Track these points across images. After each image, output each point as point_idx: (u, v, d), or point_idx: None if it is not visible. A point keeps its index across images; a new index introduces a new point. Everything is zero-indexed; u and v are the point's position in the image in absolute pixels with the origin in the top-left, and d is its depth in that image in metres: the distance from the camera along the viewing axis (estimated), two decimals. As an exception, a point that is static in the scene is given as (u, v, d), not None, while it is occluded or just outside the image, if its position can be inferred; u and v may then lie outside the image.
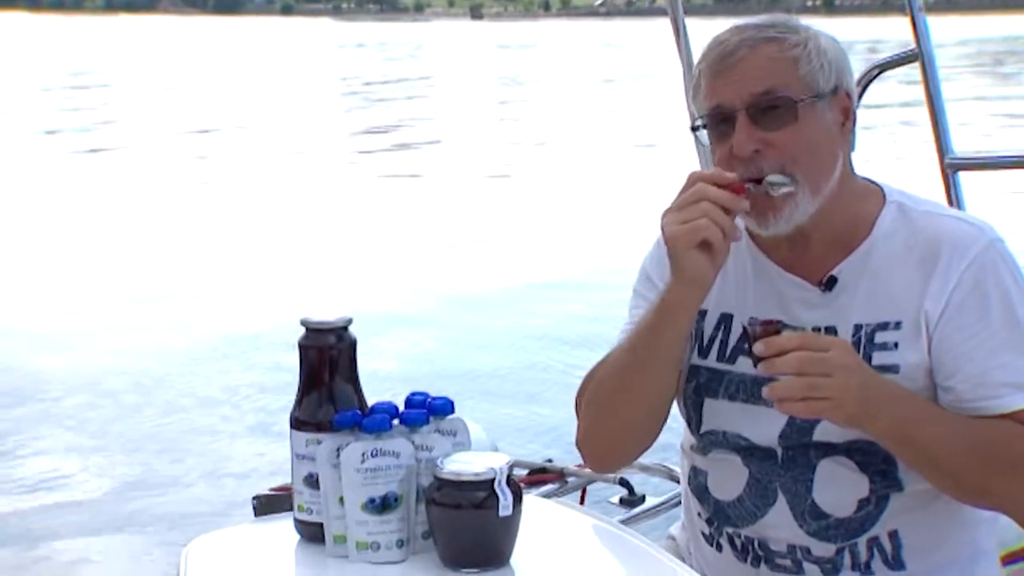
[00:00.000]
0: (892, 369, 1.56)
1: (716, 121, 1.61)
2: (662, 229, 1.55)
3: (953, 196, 2.61)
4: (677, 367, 1.64)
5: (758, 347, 1.47)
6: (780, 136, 1.57)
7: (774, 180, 1.57)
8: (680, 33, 2.63)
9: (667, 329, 1.59)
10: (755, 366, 1.50)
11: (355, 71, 30.31)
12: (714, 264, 1.54)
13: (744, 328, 1.51)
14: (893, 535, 1.61)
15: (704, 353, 1.69)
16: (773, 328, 1.48)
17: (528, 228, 9.77)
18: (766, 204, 1.58)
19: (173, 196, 11.55)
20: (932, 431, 1.52)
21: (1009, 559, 2.07)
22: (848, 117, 1.63)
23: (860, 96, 2.65)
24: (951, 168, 2.62)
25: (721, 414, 1.67)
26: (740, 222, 1.61)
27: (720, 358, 1.68)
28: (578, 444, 1.74)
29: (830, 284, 1.62)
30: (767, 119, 1.57)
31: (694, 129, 1.65)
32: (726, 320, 1.69)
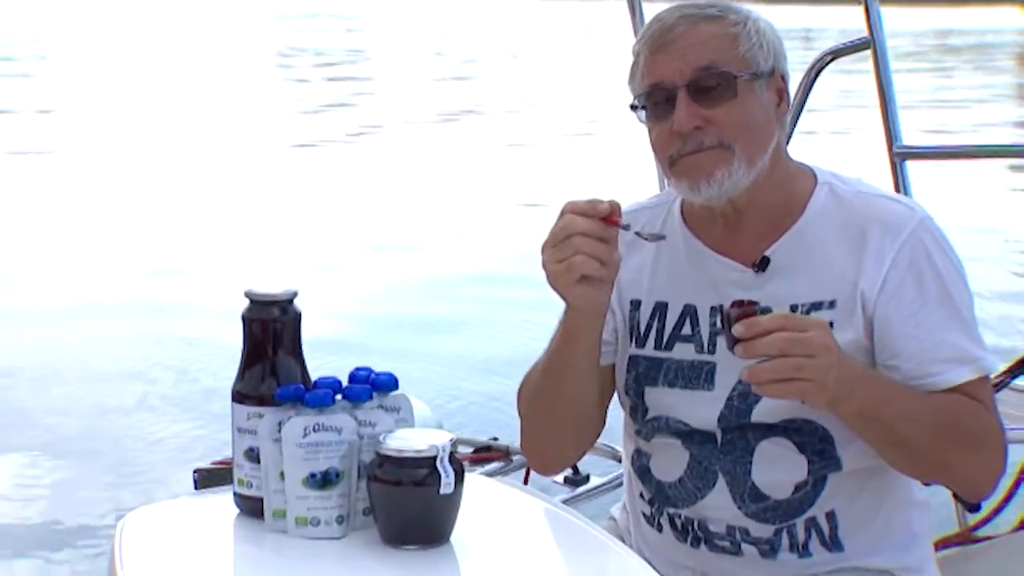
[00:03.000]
0: None
1: (655, 100, 1.61)
2: (543, 266, 1.52)
3: (900, 184, 2.64)
4: (593, 379, 1.65)
5: (738, 328, 1.44)
6: (720, 112, 1.58)
7: (642, 233, 1.58)
8: (636, 13, 2.63)
9: (572, 352, 1.61)
10: (731, 349, 1.46)
11: (301, 43, 29.85)
12: (601, 291, 1.53)
13: (720, 310, 1.49)
14: (830, 516, 1.63)
15: (641, 343, 1.70)
16: (750, 309, 1.45)
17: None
18: (698, 166, 1.59)
19: (115, 168, 11.35)
20: (899, 409, 1.54)
21: (941, 544, 2.11)
22: (783, 99, 1.65)
23: (812, 83, 2.68)
24: (899, 157, 2.65)
25: (661, 401, 1.68)
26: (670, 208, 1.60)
27: (657, 346, 1.69)
28: (521, 448, 1.83)
29: (763, 265, 1.63)
30: (707, 96, 1.58)
31: (632, 108, 1.65)
32: (661, 308, 1.70)
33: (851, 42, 2.67)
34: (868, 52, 2.60)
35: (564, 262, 1.49)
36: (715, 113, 1.58)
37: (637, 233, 1.58)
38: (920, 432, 1.54)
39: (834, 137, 11.95)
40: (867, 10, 2.63)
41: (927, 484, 1.69)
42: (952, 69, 26.50)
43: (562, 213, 1.51)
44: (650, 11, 2.60)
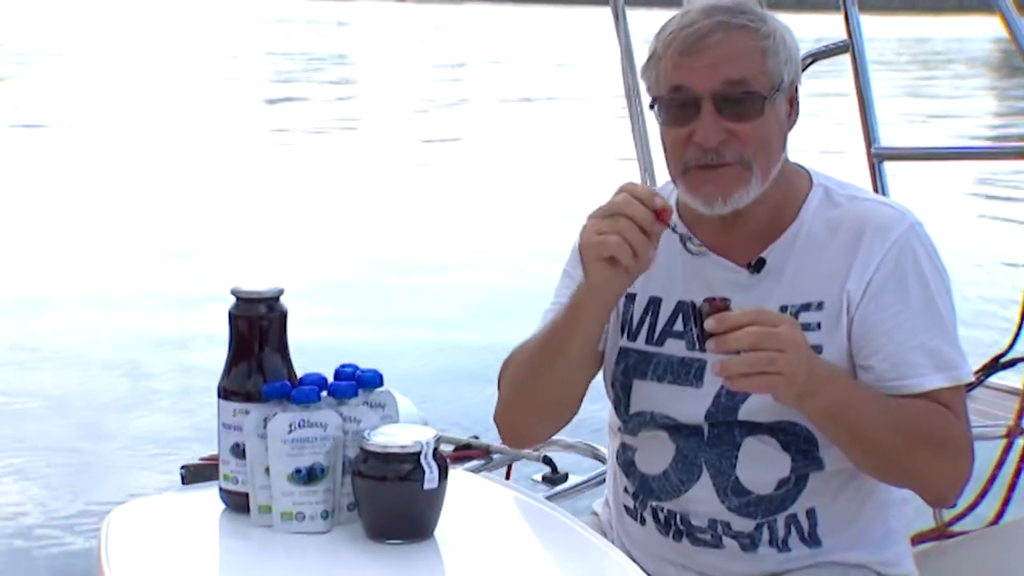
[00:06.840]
0: (816, 349, 1.58)
1: (677, 103, 1.60)
2: (581, 232, 1.53)
3: (879, 185, 2.67)
4: (586, 365, 1.66)
5: (710, 323, 1.45)
6: (744, 128, 1.58)
7: (693, 248, 1.61)
8: (619, 17, 2.65)
9: (573, 333, 1.61)
10: (702, 344, 1.47)
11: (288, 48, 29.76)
12: (622, 279, 1.53)
13: (692, 305, 1.50)
14: (810, 513, 1.65)
15: (633, 336, 1.72)
16: (723, 304, 1.46)
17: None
18: (716, 183, 1.59)
19: (102, 171, 11.30)
20: (864, 411, 1.55)
21: (918, 539, 2.14)
22: (793, 108, 1.66)
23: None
24: (877, 158, 2.68)
25: (649, 395, 1.69)
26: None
27: (649, 340, 1.70)
28: (495, 420, 1.78)
29: (759, 266, 1.65)
30: (733, 110, 1.58)
31: (650, 106, 1.65)
32: (654, 304, 1.71)
33: (831, 45, 2.71)
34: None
35: (602, 236, 1.50)
36: (740, 128, 1.58)
37: (682, 239, 1.59)
38: (885, 435, 1.56)
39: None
40: (846, 15, 2.66)
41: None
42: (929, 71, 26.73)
43: (620, 190, 1.52)
44: (634, 17, 2.63)
